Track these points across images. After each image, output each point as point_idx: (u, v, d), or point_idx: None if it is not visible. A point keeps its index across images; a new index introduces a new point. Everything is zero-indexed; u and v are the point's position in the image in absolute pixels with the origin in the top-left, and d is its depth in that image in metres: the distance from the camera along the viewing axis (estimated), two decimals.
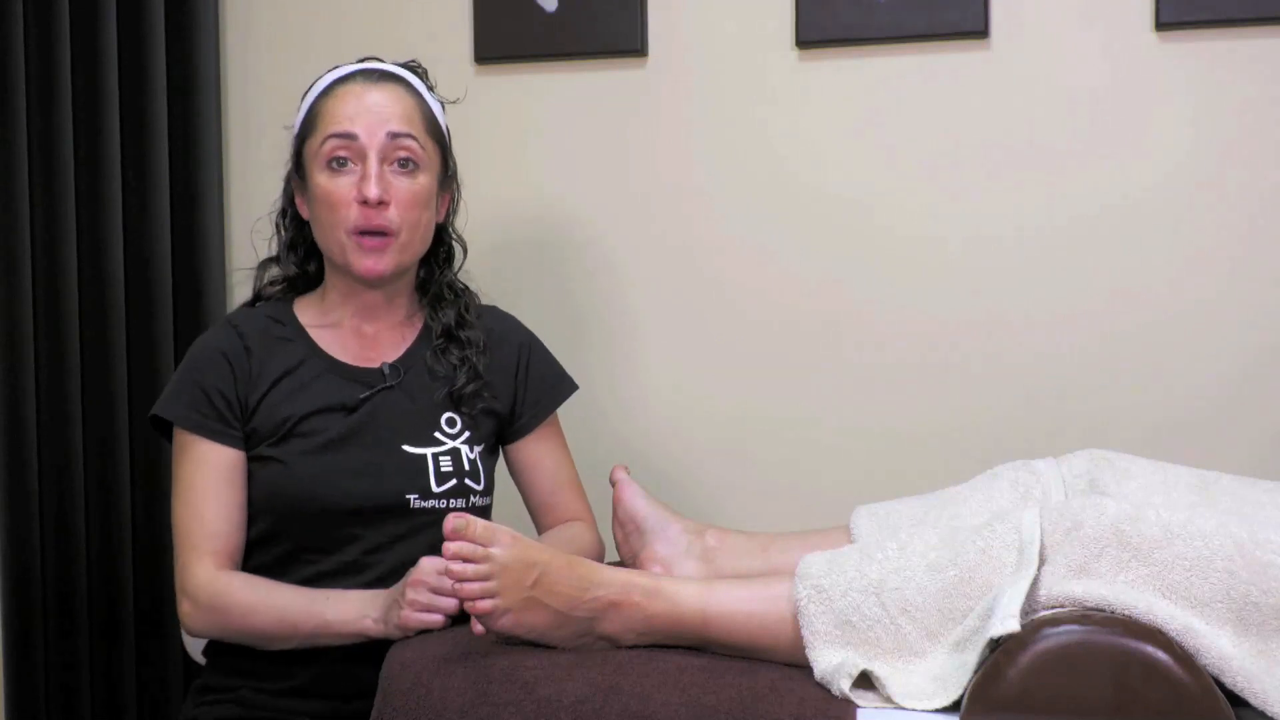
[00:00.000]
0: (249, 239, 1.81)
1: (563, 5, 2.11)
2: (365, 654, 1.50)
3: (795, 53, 2.07)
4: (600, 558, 1.69)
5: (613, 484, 1.66)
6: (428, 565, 1.43)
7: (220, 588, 1.54)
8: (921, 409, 2.04)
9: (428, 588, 1.42)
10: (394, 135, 1.59)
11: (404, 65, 1.69)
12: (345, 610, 1.50)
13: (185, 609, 1.56)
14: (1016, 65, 2.00)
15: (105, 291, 2.23)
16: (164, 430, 1.64)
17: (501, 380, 1.71)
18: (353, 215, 1.58)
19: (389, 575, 1.56)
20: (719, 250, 2.11)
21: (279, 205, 1.72)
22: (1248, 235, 1.94)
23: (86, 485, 2.25)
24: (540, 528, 1.75)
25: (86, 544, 2.25)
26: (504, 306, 1.82)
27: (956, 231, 2.02)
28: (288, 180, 1.70)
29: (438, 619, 1.43)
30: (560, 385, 1.77)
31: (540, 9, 2.12)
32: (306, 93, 1.68)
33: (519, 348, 1.75)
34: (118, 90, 2.22)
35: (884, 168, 2.05)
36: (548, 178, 2.16)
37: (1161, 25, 1.93)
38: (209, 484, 1.57)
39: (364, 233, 1.58)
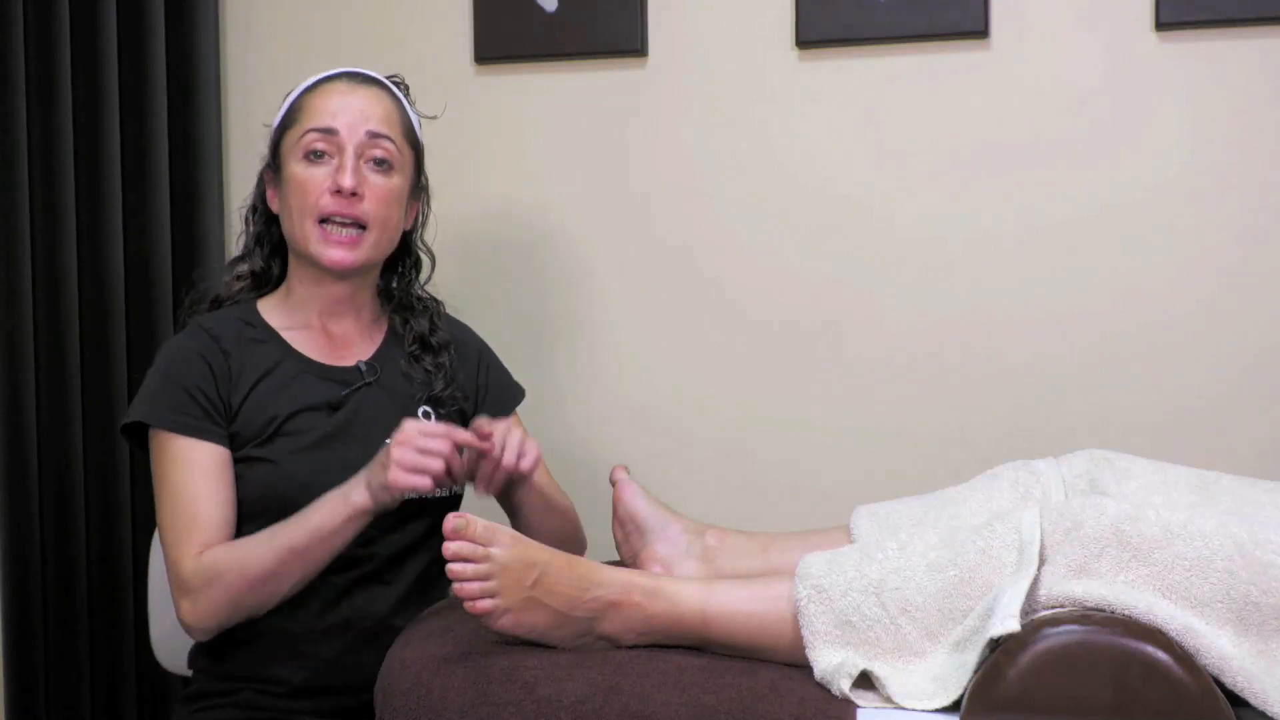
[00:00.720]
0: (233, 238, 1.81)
1: (563, 5, 2.11)
2: (363, 657, 1.49)
3: (795, 53, 2.07)
4: (580, 545, 1.71)
5: (613, 484, 1.66)
6: (411, 425, 1.44)
7: (207, 563, 1.51)
8: (921, 409, 2.04)
9: (414, 447, 1.42)
10: (373, 134, 1.61)
11: (387, 78, 1.71)
12: (329, 504, 1.49)
13: (185, 607, 1.52)
14: (1016, 65, 2.00)
15: (105, 291, 2.23)
16: (136, 438, 1.62)
17: (466, 383, 1.74)
18: (324, 202, 1.59)
19: (384, 566, 1.58)
20: (719, 250, 2.11)
21: (249, 201, 1.73)
22: (1248, 235, 1.94)
23: (86, 485, 2.25)
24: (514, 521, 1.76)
25: (86, 544, 2.25)
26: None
27: (956, 231, 2.02)
28: (261, 175, 1.71)
29: (425, 481, 1.42)
30: (513, 390, 1.82)
31: (540, 9, 2.12)
32: (289, 93, 1.70)
33: (478, 354, 1.78)
34: (118, 90, 2.22)
35: (884, 168, 2.05)
36: (547, 178, 2.16)
37: (1161, 25, 1.93)
38: (199, 482, 1.55)
39: (334, 222, 1.59)
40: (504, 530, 1.36)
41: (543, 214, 2.16)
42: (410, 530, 1.61)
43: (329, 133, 1.60)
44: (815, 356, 2.08)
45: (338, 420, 1.61)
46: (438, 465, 1.43)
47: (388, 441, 1.46)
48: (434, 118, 1.78)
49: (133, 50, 2.22)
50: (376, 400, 1.65)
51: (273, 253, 1.72)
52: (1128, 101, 1.96)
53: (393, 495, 1.45)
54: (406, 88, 1.73)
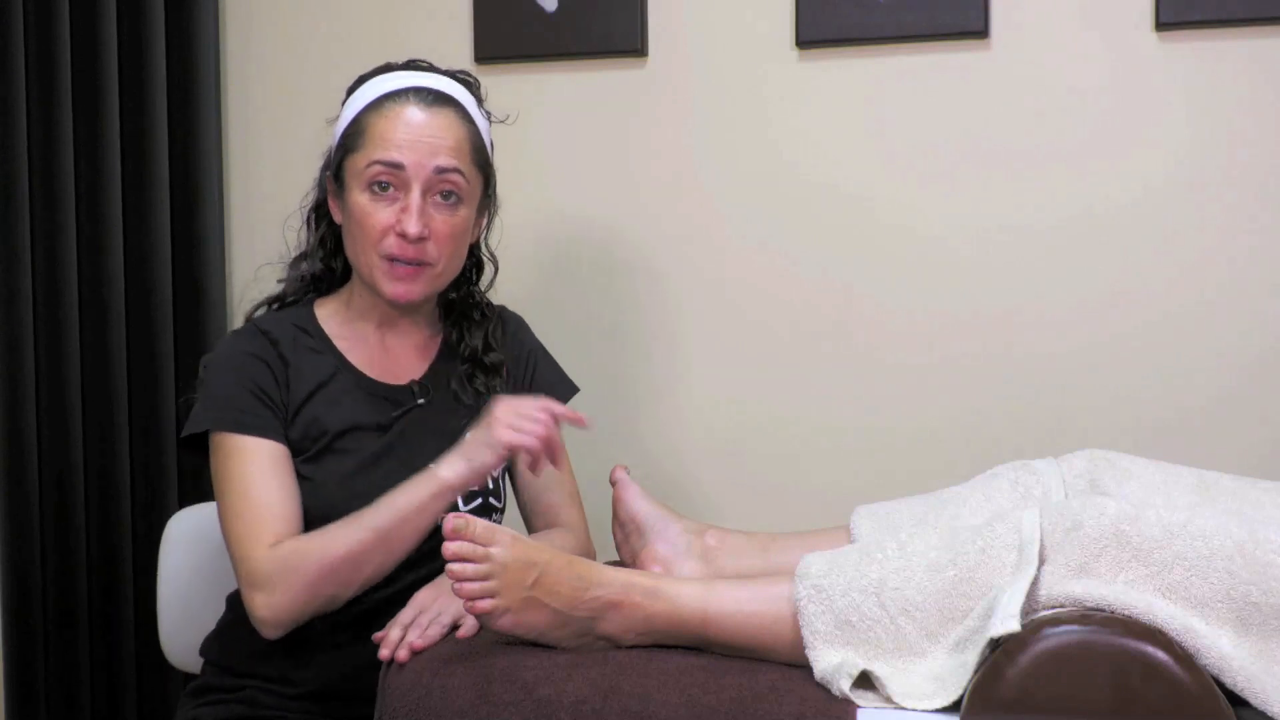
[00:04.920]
0: (268, 233, 1.77)
1: (563, 5, 2.11)
2: (375, 675, 1.48)
3: (795, 53, 2.07)
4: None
5: (613, 484, 1.66)
6: (507, 401, 1.49)
7: (285, 551, 1.46)
8: (921, 409, 2.04)
9: (516, 413, 1.45)
10: (441, 170, 1.56)
11: (456, 76, 1.65)
12: (414, 485, 1.46)
13: (259, 600, 1.46)
14: (1016, 65, 2.00)
15: (105, 291, 2.23)
16: (194, 446, 1.58)
17: (512, 389, 1.71)
18: (389, 243, 1.55)
19: (415, 587, 1.53)
20: (719, 250, 2.11)
21: (312, 199, 1.69)
22: (1248, 235, 1.94)
23: (86, 485, 2.25)
24: (530, 529, 1.74)
25: (86, 544, 2.25)
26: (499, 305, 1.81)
27: (956, 231, 2.02)
28: (323, 176, 1.67)
29: (532, 441, 1.45)
30: (559, 391, 1.75)
31: (540, 9, 2.12)
32: (354, 91, 1.64)
33: (527, 356, 1.75)
34: (118, 90, 2.22)
35: (884, 168, 2.05)
36: (547, 178, 2.16)
37: (1161, 25, 1.93)
38: (266, 478, 1.51)
39: (397, 260, 1.56)
40: (504, 530, 1.36)
41: (542, 214, 2.16)
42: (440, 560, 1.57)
43: (395, 167, 1.54)
44: (815, 356, 2.08)
45: (384, 442, 1.59)
46: (541, 428, 1.44)
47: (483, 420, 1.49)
48: (504, 120, 1.72)
49: (133, 50, 2.21)
50: (424, 423, 1.62)
51: (335, 251, 1.68)
52: (1128, 101, 1.96)
53: (497, 455, 1.45)
54: (477, 85, 1.67)
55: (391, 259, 1.56)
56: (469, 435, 1.49)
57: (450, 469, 1.47)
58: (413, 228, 1.54)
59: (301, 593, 1.46)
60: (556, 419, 1.49)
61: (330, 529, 1.49)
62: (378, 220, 1.56)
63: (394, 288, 1.57)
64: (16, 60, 2.23)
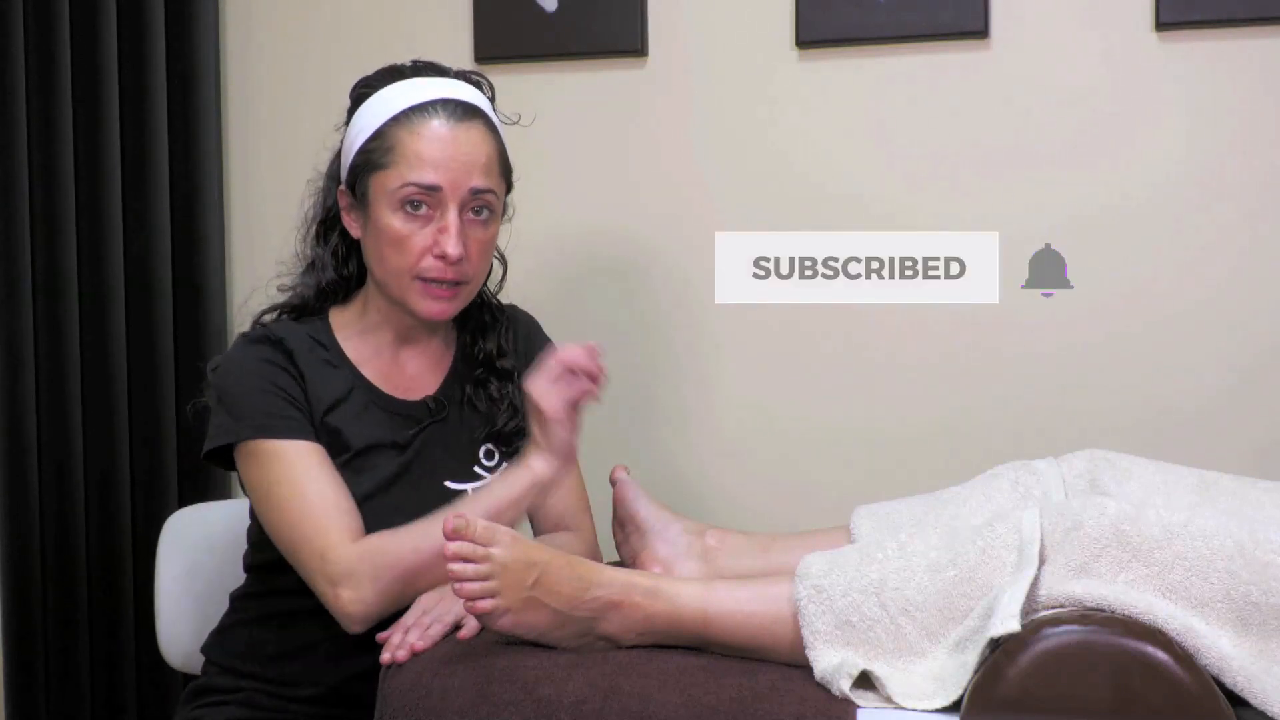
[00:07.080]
0: (269, 233, 1.76)
1: (563, 5, 2.11)
2: (370, 667, 1.48)
3: (795, 53, 2.07)
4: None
5: (613, 484, 1.66)
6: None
7: (370, 549, 1.43)
8: (921, 409, 2.04)
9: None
10: (477, 191, 1.54)
11: (469, 78, 1.62)
12: (510, 481, 1.48)
13: (346, 596, 1.43)
14: (1016, 65, 2.00)
15: (105, 292, 2.23)
16: (219, 459, 1.56)
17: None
18: (427, 265, 1.53)
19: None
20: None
21: (317, 210, 1.66)
22: (1247, 235, 1.94)
23: (86, 485, 2.25)
24: (536, 532, 1.74)
25: (86, 544, 2.25)
26: None
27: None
28: (331, 186, 1.64)
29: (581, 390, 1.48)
30: None
31: (540, 9, 2.12)
32: (365, 99, 1.59)
33: (540, 355, 1.73)
34: (118, 90, 2.22)
35: (884, 168, 2.05)
36: (547, 178, 2.16)
37: (1161, 25, 1.93)
38: (320, 476, 1.48)
39: (434, 281, 1.54)
40: (504, 530, 1.36)
41: (540, 214, 2.16)
42: None
43: (431, 189, 1.52)
44: (815, 356, 2.08)
45: (402, 460, 1.57)
46: (582, 380, 1.49)
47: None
48: (516, 121, 1.70)
49: (133, 50, 2.22)
50: (439, 438, 1.61)
51: (345, 259, 1.64)
52: (1128, 101, 1.96)
53: (566, 428, 1.47)
54: (490, 86, 1.65)
55: (428, 280, 1.54)
56: (533, 431, 1.49)
57: (543, 462, 1.47)
58: (454, 249, 1.52)
59: (393, 585, 1.44)
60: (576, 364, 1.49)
61: (414, 526, 1.46)
62: (415, 243, 1.53)
63: (430, 307, 1.55)
64: (16, 61, 2.24)
